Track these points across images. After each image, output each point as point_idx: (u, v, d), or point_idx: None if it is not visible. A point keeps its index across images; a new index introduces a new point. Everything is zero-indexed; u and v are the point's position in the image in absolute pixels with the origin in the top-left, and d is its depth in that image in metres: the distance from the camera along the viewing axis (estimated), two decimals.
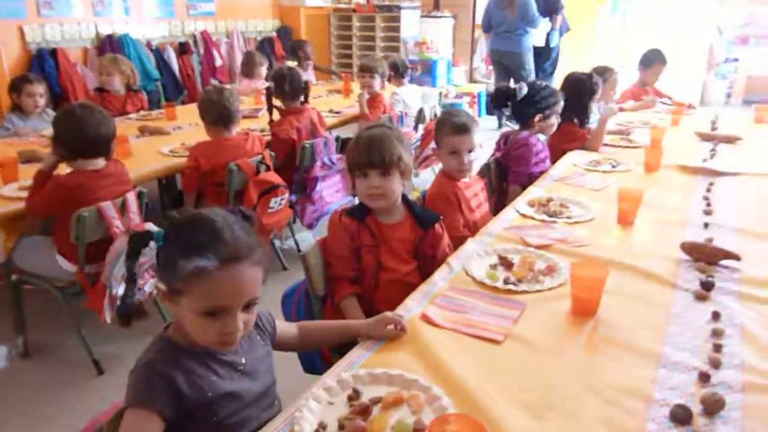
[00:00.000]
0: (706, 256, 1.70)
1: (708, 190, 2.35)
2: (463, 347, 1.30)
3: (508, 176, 2.76)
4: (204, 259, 0.97)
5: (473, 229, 2.09)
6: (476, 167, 2.36)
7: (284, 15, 7.40)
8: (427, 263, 1.77)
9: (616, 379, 1.19)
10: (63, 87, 4.74)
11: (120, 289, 2.21)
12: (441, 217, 1.85)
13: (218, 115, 2.80)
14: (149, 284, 2.34)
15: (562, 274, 1.61)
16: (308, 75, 5.57)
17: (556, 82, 4.64)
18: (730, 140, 3.21)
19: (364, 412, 1.07)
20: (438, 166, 3.71)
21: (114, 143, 2.36)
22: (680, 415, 1.06)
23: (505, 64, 6.35)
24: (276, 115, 3.41)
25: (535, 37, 6.35)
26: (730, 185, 2.46)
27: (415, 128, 4.24)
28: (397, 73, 4.64)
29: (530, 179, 2.64)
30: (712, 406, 1.09)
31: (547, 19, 6.40)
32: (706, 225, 2.00)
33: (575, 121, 3.14)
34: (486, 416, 1.04)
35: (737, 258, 1.68)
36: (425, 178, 4.35)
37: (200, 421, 1.04)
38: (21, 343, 2.50)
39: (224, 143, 2.85)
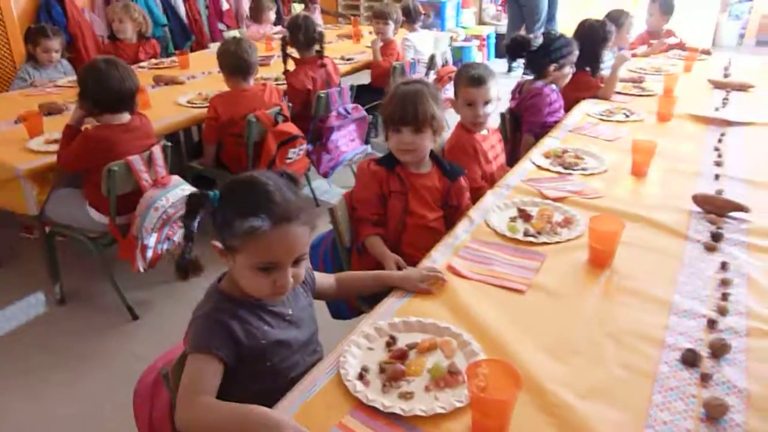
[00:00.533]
0: (716, 208, 1.78)
1: (720, 141, 2.41)
2: (489, 297, 1.40)
3: (521, 126, 2.81)
4: (258, 220, 1.06)
5: (490, 180, 2.16)
6: (494, 119, 2.40)
7: None
8: (452, 212, 1.86)
9: (631, 325, 1.29)
10: (72, 34, 4.69)
11: (151, 240, 2.32)
12: (465, 171, 1.92)
13: (236, 66, 2.83)
14: (178, 234, 2.45)
15: (579, 226, 1.70)
16: (315, 18, 5.50)
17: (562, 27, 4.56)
18: (743, 87, 3.23)
19: (402, 356, 1.18)
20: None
21: (138, 97, 2.41)
22: (690, 358, 1.17)
23: (521, 2, 6.25)
24: (291, 65, 3.42)
25: None
26: (742, 135, 2.51)
27: (427, 74, 4.24)
28: (409, 17, 4.59)
29: (543, 129, 2.68)
30: (719, 350, 1.19)
31: None
32: (716, 176, 2.06)
33: (587, 69, 3.15)
34: (514, 360, 1.15)
35: (746, 210, 1.76)
36: None
37: (254, 366, 1.15)
38: (59, 290, 2.62)
39: (242, 94, 2.89)
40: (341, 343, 1.22)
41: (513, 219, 1.77)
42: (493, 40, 7.58)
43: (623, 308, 1.36)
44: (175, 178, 2.45)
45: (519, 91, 2.89)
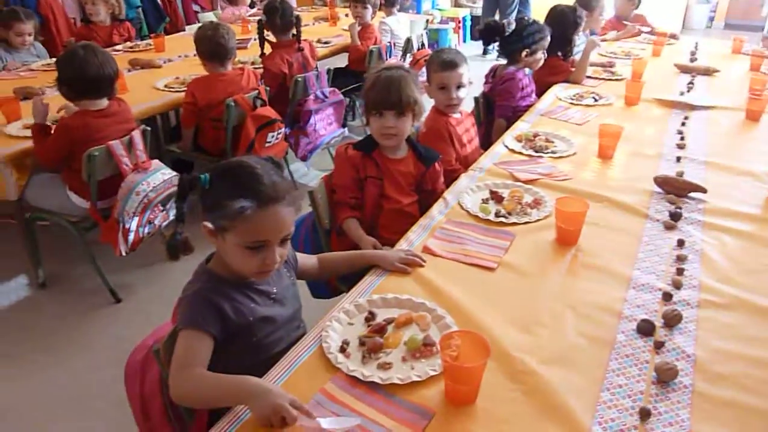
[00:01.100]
0: (676, 189, 1.89)
1: (683, 124, 2.52)
2: (461, 274, 1.48)
3: (494, 109, 2.89)
4: (247, 201, 1.12)
5: (464, 163, 2.24)
6: (468, 103, 2.47)
7: None
8: (426, 197, 1.94)
9: (592, 298, 1.39)
10: (44, 16, 4.63)
11: (133, 224, 2.36)
12: (440, 156, 2.00)
13: (214, 51, 2.86)
14: (159, 218, 2.49)
15: (547, 207, 1.79)
16: (290, 1, 5.49)
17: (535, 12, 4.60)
18: (708, 72, 3.35)
19: (380, 330, 1.26)
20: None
21: (117, 83, 2.43)
22: (644, 328, 1.27)
23: None
24: (267, 49, 3.45)
25: None
26: (704, 119, 2.62)
27: (403, 58, 4.28)
28: (387, 1, 4.62)
29: (515, 113, 2.77)
30: (672, 320, 1.30)
31: None
32: (678, 159, 2.17)
33: (559, 54, 3.24)
34: (483, 331, 1.23)
35: (703, 190, 1.87)
36: None
37: (241, 341, 1.22)
38: (41, 274, 2.65)
39: (220, 79, 2.91)
40: (323, 319, 1.30)
41: (485, 201, 1.85)
42: (468, 23, 7.63)
43: (586, 283, 1.46)
44: (156, 162, 2.48)
45: (492, 75, 2.97)
